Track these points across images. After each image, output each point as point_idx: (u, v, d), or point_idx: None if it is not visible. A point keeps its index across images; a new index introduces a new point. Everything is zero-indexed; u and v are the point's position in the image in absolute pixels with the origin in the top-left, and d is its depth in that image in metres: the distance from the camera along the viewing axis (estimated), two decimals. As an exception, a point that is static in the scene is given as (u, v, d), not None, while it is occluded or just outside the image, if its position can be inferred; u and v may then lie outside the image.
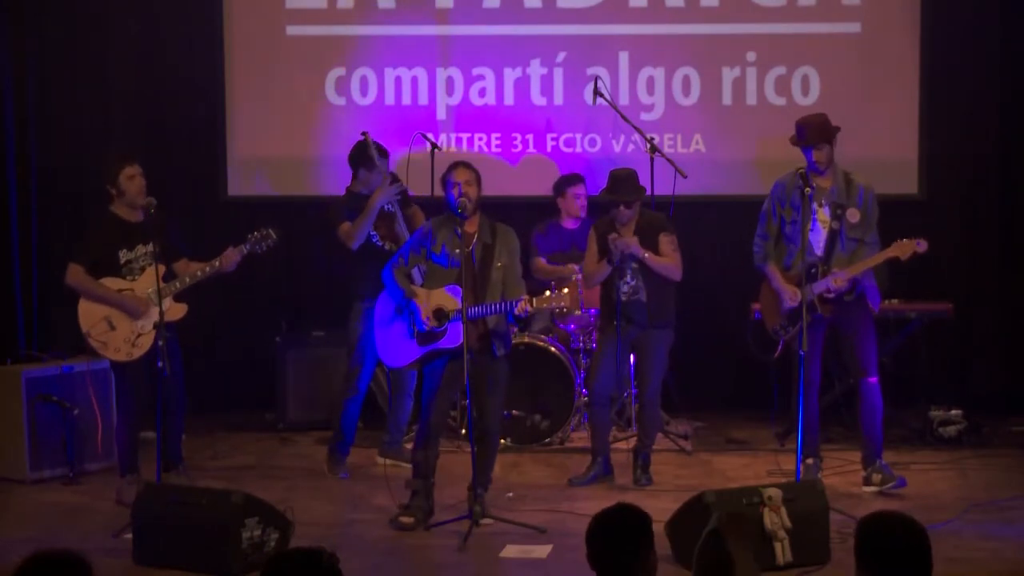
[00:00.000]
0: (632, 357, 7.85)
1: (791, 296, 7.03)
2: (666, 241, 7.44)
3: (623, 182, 7.42)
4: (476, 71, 9.33)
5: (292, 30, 9.39)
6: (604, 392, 7.46)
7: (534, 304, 6.46)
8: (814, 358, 6.98)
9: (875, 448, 7.11)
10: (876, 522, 3.63)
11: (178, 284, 7.02)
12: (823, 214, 7.04)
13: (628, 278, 7.37)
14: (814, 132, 7.04)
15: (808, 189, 6.70)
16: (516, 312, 6.48)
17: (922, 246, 6.90)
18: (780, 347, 7.21)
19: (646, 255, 7.29)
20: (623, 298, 7.37)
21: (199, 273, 7.06)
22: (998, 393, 9.00)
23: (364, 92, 9.36)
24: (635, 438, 7.66)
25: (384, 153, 7.83)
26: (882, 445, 7.15)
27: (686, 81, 9.24)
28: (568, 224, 8.77)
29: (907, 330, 8.51)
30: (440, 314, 6.57)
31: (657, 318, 7.39)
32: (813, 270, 6.94)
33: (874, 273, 7.12)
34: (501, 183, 8.79)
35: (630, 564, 3.58)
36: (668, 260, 7.38)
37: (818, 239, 7.02)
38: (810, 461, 7.07)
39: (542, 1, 9.23)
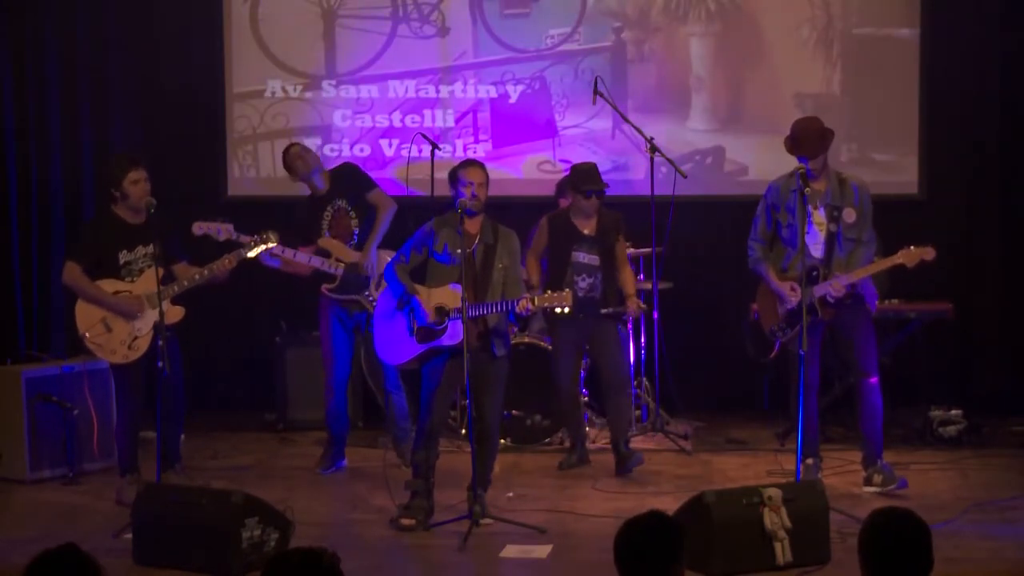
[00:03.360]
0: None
1: (790, 295, 6.99)
2: (623, 248, 7.74)
3: (589, 174, 7.66)
4: (477, 72, 9.33)
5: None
6: (573, 387, 7.74)
7: (535, 303, 6.46)
8: (813, 360, 6.97)
9: (875, 448, 7.10)
10: (878, 518, 3.66)
11: (176, 287, 7.02)
12: (819, 216, 7.00)
13: (585, 275, 7.57)
14: (811, 143, 6.96)
15: (808, 190, 6.68)
16: (518, 311, 6.49)
17: (930, 255, 6.88)
18: (776, 348, 7.20)
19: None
20: (580, 294, 7.50)
21: (197, 277, 7.05)
22: (998, 393, 8.99)
23: (365, 93, 9.36)
24: (636, 438, 7.70)
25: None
26: (882, 445, 7.14)
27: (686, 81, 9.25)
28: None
29: (907, 330, 8.50)
30: (441, 311, 6.57)
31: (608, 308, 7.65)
32: (814, 273, 6.92)
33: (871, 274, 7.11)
34: (501, 184, 8.79)
35: (661, 572, 3.58)
36: (630, 280, 7.75)
37: (815, 242, 6.97)
38: (810, 461, 7.06)
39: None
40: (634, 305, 7.67)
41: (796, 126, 7.10)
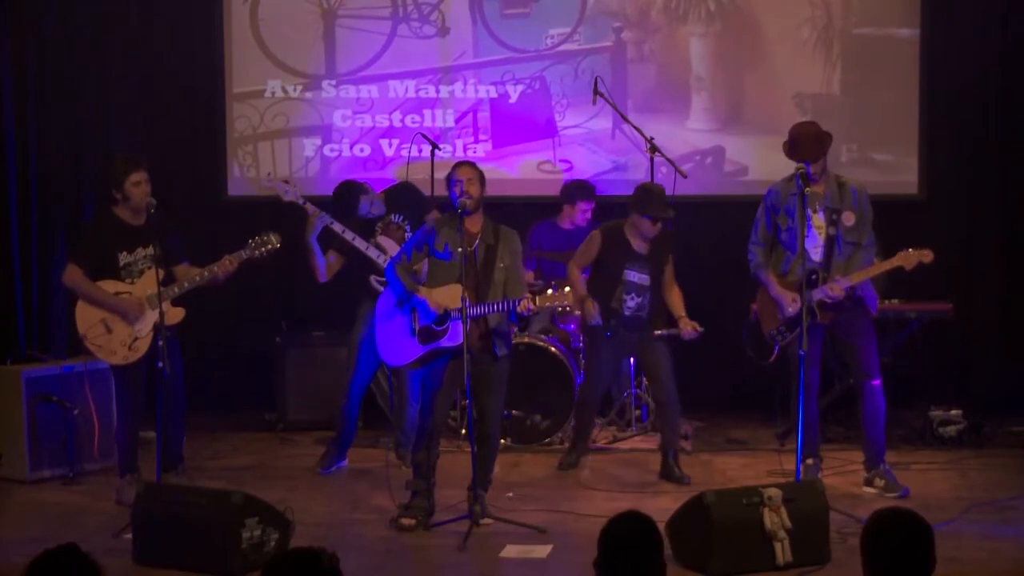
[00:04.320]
0: (632, 360, 7.95)
1: (791, 303, 6.98)
2: (672, 270, 7.60)
3: (661, 199, 7.47)
4: (476, 72, 9.33)
5: (293, 31, 9.43)
6: (598, 398, 7.75)
7: (537, 303, 6.45)
8: (813, 363, 6.95)
9: (878, 451, 7.09)
10: (881, 518, 3.67)
11: (176, 288, 7.01)
12: (818, 220, 6.99)
13: (635, 295, 7.48)
14: (809, 147, 6.96)
15: (807, 189, 6.68)
16: (519, 311, 6.47)
17: (928, 257, 6.88)
18: (776, 352, 7.19)
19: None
20: (627, 313, 7.47)
21: (197, 278, 7.04)
22: (998, 393, 8.99)
23: (365, 93, 9.36)
24: (636, 438, 7.69)
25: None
26: (884, 447, 7.14)
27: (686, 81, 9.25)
28: (566, 226, 8.77)
29: (907, 330, 8.50)
30: (443, 311, 6.55)
31: (655, 328, 7.55)
32: (814, 276, 6.90)
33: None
34: (500, 184, 8.80)
35: (642, 571, 3.58)
36: (679, 300, 7.57)
37: (814, 245, 6.96)
38: (810, 461, 7.06)
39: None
40: (688, 327, 7.41)
41: (793, 131, 7.09)
